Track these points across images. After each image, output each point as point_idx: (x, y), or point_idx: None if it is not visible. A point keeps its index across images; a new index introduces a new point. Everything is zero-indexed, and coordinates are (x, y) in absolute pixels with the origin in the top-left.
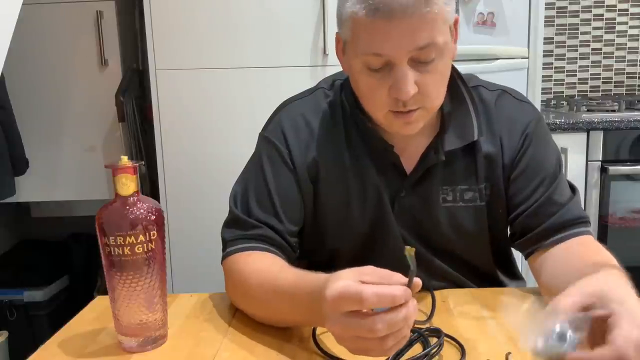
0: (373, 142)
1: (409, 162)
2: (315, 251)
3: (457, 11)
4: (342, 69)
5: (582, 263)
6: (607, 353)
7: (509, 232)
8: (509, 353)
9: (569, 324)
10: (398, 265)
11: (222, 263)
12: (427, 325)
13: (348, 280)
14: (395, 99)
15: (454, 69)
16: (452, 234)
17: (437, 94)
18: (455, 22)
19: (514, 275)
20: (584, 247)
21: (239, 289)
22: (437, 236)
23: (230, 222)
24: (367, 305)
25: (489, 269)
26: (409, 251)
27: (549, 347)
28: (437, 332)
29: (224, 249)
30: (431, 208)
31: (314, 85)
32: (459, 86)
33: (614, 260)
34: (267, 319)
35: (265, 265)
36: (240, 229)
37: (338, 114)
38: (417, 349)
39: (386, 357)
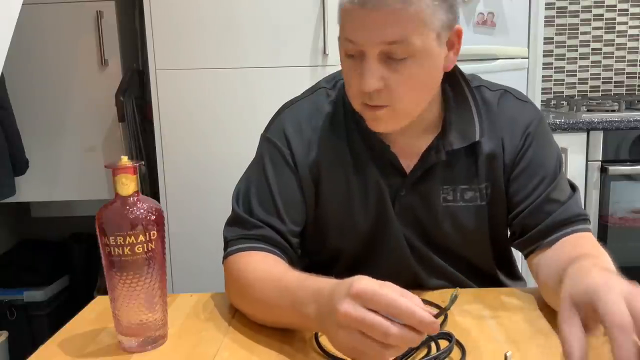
0: (372, 141)
1: (408, 162)
2: (317, 251)
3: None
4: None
5: (568, 261)
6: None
7: (509, 232)
8: (509, 353)
9: None
10: (398, 264)
11: (223, 262)
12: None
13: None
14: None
15: (457, 69)
16: (454, 233)
17: (408, 98)
18: (458, 34)
19: (514, 275)
20: (578, 244)
21: (239, 289)
22: (439, 235)
23: (233, 221)
24: (395, 312)
25: (489, 269)
26: (458, 291)
27: None
28: (448, 337)
29: (225, 248)
30: (432, 207)
31: (314, 84)
32: (462, 87)
33: (598, 256)
34: (265, 319)
35: (267, 266)
36: (242, 229)
37: (339, 113)
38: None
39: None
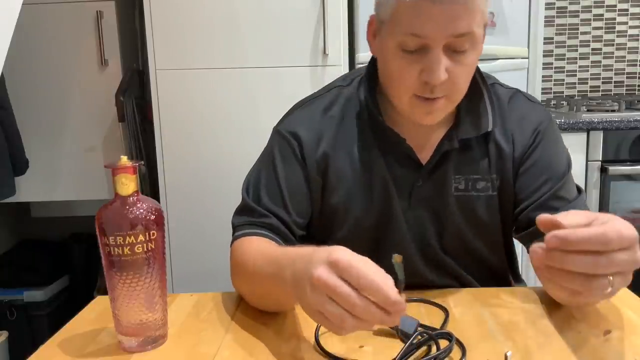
0: (386, 135)
1: (423, 155)
2: (323, 243)
3: None
4: (343, 70)
5: None
6: (592, 230)
7: (514, 228)
8: (509, 353)
9: None
10: (404, 258)
11: (230, 247)
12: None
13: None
14: (424, 83)
15: None
16: (465, 224)
17: (464, 87)
18: (485, 25)
19: (517, 277)
20: None
21: (240, 271)
22: (451, 228)
23: (241, 210)
24: (364, 286)
25: (501, 267)
26: (397, 259)
27: None
28: (448, 336)
29: (232, 234)
30: (444, 197)
31: (315, 85)
32: (477, 80)
33: None
34: (260, 297)
35: (267, 246)
36: (249, 216)
37: (353, 109)
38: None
39: (393, 358)
